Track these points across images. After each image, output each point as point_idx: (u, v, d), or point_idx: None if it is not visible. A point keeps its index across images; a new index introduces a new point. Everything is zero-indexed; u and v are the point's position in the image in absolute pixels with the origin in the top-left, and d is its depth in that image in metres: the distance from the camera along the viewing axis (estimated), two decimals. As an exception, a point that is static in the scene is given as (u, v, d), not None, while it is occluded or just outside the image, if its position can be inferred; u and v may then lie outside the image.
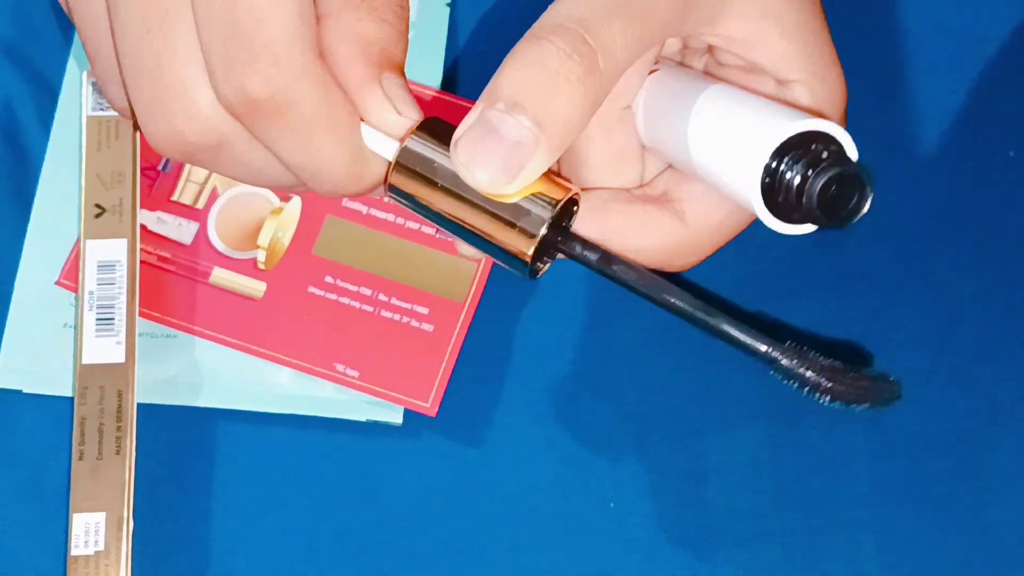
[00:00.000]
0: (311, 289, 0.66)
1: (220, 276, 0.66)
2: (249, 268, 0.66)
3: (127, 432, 0.62)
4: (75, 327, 0.64)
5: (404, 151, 0.48)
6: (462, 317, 0.65)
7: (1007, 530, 0.63)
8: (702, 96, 0.50)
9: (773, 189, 0.47)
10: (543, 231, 0.48)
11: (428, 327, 0.65)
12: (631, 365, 0.65)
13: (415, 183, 0.48)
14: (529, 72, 0.45)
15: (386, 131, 0.48)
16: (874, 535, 0.63)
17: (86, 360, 0.63)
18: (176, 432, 0.64)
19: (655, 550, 0.63)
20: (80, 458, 0.62)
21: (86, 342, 0.64)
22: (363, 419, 0.64)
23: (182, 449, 0.64)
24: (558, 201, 0.48)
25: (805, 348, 0.47)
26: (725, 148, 0.49)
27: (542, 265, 0.50)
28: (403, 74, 0.47)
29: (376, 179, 0.49)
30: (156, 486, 0.63)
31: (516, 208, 0.48)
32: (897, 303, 0.67)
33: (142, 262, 0.65)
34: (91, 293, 0.64)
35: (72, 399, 0.63)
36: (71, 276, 0.65)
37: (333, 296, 0.65)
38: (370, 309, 0.65)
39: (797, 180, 0.46)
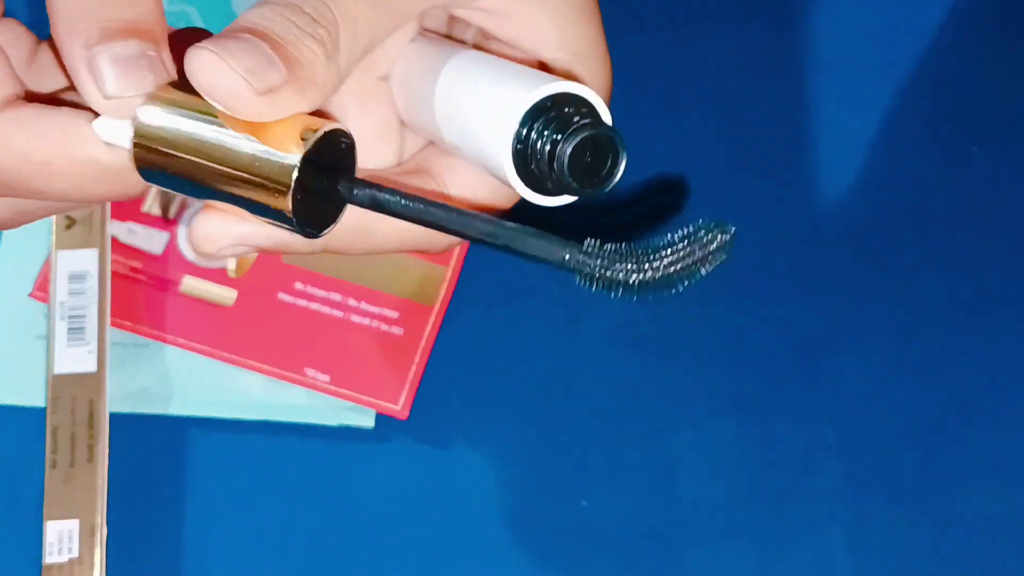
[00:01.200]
0: (281, 296, 0.66)
1: (191, 285, 0.66)
2: (219, 276, 0.66)
3: (99, 440, 0.63)
4: (47, 337, 0.65)
5: (138, 126, 0.42)
6: (432, 320, 0.66)
7: (976, 521, 0.63)
8: (449, 63, 0.47)
9: (525, 157, 0.44)
10: (294, 173, 0.41)
11: (398, 331, 0.65)
12: (599, 364, 0.66)
13: (164, 154, 0.42)
14: (274, 19, 0.42)
15: (104, 112, 0.42)
16: (844, 528, 0.63)
17: (57, 370, 0.64)
18: (149, 440, 0.64)
19: (627, 547, 0.63)
20: (53, 466, 0.63)
21: (57, 352, 0.64)
22: (335, 424, 0.65)
23: (155, 457, 0.64)
24: (314, 134, 0.41)
25: (611, 244, 0.41)
26: (474, 116, 0.46)
27: (320, 221, 0.43)
28: (148, 36, 0.42)
29: (128, 173, 0.43)
30: (129, 494, 0.63)
31: (270, 153, 0.41)
32: (863, 300, 0.67)
33: (113, 272, 0.66)
34: (62, 303, 0.64)
35: (44, 409, 0.64)
36: (44, 288, 0.66)
37: (303, 302, 0.66)
38: (340, 314, 0.66)
39: (548, 146, 0.43)
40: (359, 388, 0.64)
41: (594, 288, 0.39)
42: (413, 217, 0.42)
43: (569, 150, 0.43)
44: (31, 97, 0.44)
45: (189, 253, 0.67)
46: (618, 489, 0.64)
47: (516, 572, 0.63)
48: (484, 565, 0.63)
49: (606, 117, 0.44)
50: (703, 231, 0.40)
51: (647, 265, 0.40)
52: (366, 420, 0.65)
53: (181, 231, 0.67)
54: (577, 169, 0.43)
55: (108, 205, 0.66)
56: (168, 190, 0.43)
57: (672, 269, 0.40)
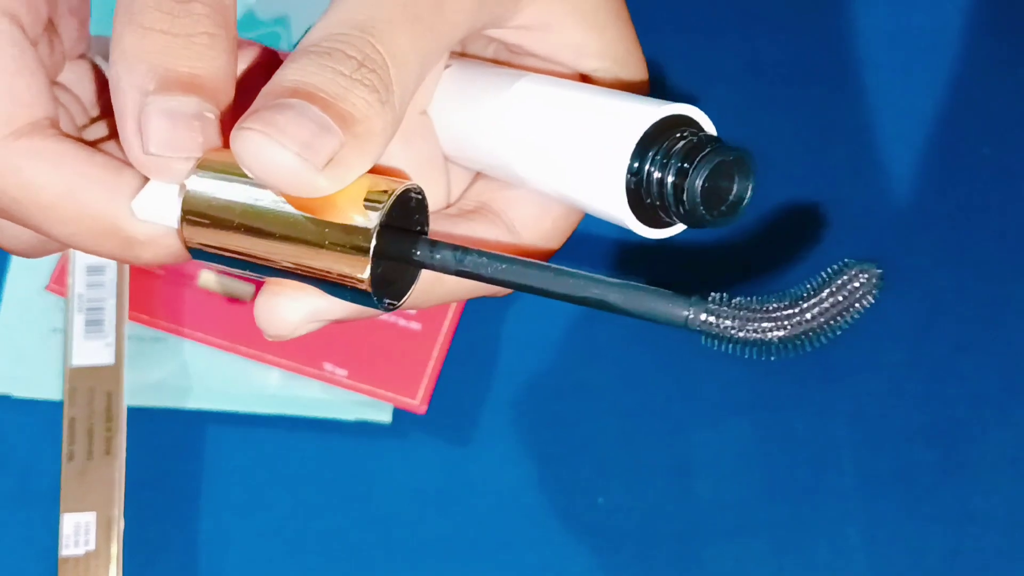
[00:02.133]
0: (299, 290, 0.66)
1: (208, 279, 0.66)
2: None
3: (117, 432, 0.63)
4: (64, 331, 0.65)
5: (187, 198, 0.37)
6: (449, 315, 0.66)
7: (992, 519, 0.64)
8: (514, 91, 0.43)
9: (639, 191, 0.39)
10: (372, 243, 0.36)
11: (416, 325, 0.65)
12: (617, 361, 0.66)
13: (216, 231, 0.38)
14: (318, 73, 0.37)
15: (141, 169, 0.38)
16: (861, 526, 0.63)
17: (75, 362, 0.64)
18: (166, 434, 0.64)
19: (644, 545, 0.63)
20: (70, 459, 0.62)
21: (75, 344, 0.64)
22: (352, 418, 0.65)
23: (172, 451, 0.64)
24: (386, 195, 0.37)
25: (734, 298, 0.37)
26: (563, 151, 0.41)
27: (395, 289, 0.39)
28: (211, 95, 0.38)
29: (164, 241, 0.39)
30: (146, 488, 0.63)
31: (339, 224, 0.37)
32: (879, 298, 0.67)
33: (131, 266, 0.66)
34: (80, 295, 0.64)
35: (61, 402, 0.63)
36: (60, 280, 0.66)
37: (321, 297, 0.66)
38: (358, 309, 0.66)
39: (672, 177, 0.39)
40: (377, 383, 0.64)
41: (723, 349, 0.35)
42: (503, 281, 0.37)
43: (701, 179, 0.39)
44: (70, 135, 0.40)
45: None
46: (635, 486, 0.64)
47: (533, 568, 0.63)
48: (501, 561, 0.63)
49: (714, 134, 0.41)
50: (846, 273, 0.35)
51: (786, 320, 0.35)
52: (384, 415, 0.65)
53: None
54: (710, 198, 0.39)
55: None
56: (224, 267, 0.39)
57: (816, 322, 0.36)
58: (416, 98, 0.44)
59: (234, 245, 0.37)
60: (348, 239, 0.36)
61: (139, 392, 0.64)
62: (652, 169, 0.39)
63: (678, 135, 0.39)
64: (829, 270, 0.35)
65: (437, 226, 0.43)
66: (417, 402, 0.64)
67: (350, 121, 0.36)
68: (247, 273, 0.38)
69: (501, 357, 0.66)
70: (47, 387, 0.65)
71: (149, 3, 0.38)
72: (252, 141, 0.35)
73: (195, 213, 0.37)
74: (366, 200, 0.36)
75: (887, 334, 0.67)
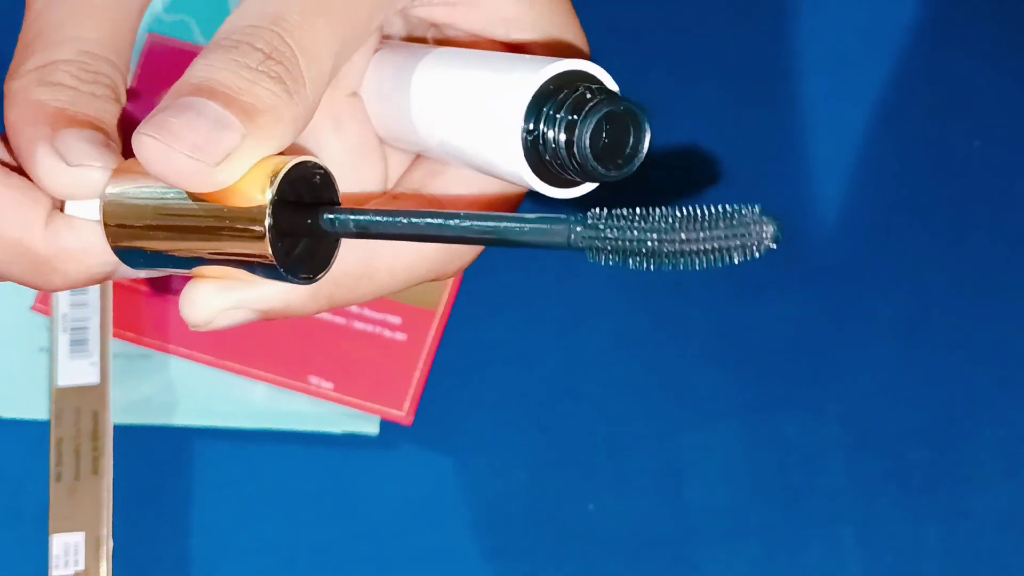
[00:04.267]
0: (283, 304, 0.66)
1: (193, 294, 0.66)
2: (221, 285, 0.66)
3: (103, 452, 0.63)
4: (49, 350, 0.65)
5: (106, 204, 0.39)
6: (435, 325, 0.65)
7: (987, 517, 0.63)
8: (422, 64, 0.43)
9: (537, 150, 0.40)
10: (267, 216, 0.38)
11: (401, 336, 0.65)
12: (604, 367, 0.65)
13: (136, 232, 0.39)
14: (223, 68, 0.38)
15: (70, 191, 0.40)
16: (854, 527, 0.63)
17: (61, 382, 0.64)
18: (153, 452, 0.64)
19: (635, 551, 0.63)
20: (58, 479, 0.62)
21: (60, 364, 0.64)
22: (339, 431, 0.65)
23: (160, 468, 0.64)
24: (275, 175, 0.38)
25: (621, 211, 0.36)
26: (467, 118, 0.42)
27: (315, 262, 0.40)
28: (101, 129, 0.40)
29: (92, 253, 0.40)
30: (135, 506, 0.63)
31: (239, 208, 0.38)
32: (868, 295, 0.67)
33: (115, 283, 0.66)
34: (64, 315, 0.64)
35: (48, 422, 0.63)
36: (45, 300, 0.66)
37: (305, 310, 0.66)
38: (342, 321, 0.65)
39: (563, 133, 0.39)
40: (363, 395, 0.64)
41: (606, 262, 0.35)
42: (402, 233, 0.38)
43: (589, 131, 0.39)
44: None
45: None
46: (625, 492, 0.64)
47: (524, 577, 0.63)
48: (491, 571, 0.63)
49: (615, 90, 0.40)
50: (744, 216, 0.35)
51: (666, 234, 0.35)
52: (371, 427, 0.64)
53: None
54: (600, 151, 0.39)
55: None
56: (152, 269, 0.40)
57: (691, 245, 0.35)
58: (344, 81, 0.45)
59: (155, 245, 0.39)
60: (247, 219, 0.38)
61: (126, 409, 0.64)
62: (544, 127, 0.39)
63: (573, 91, 0.39)
64: (732, 207, 0.35)
65: None
66: (404, 413, 0.64)
67: (253, 113, 0.38)
68: (177, 272, 0.40)
69: (487, 366, 0.66)
70: (34, 407, 0.65)
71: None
72: (146, 147, 0.37)
73: (115, 216, 0.39)
74: (270, 180, 0.38)
75: (878, 333, 0.66)
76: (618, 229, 0.35)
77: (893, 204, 0.69)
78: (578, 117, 0.39)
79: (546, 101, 0.39)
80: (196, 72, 0.38)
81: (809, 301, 0.67)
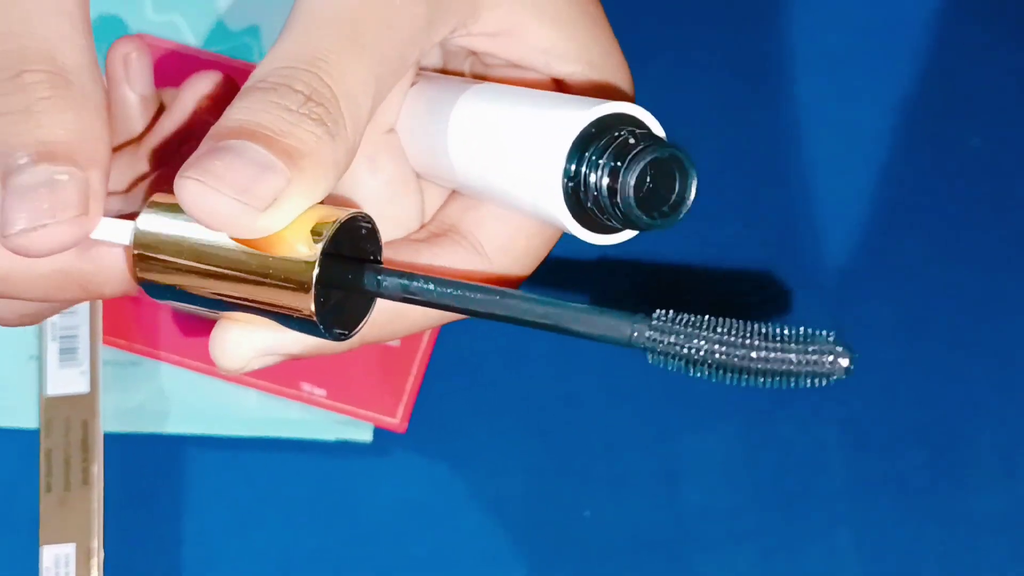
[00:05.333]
0: (275, 310, 0.65)
1: (183, 301, 0.65)
2: (212, 291, 0.65)
3: (94, 462, 0.62)
4: (39, 359, 0.64)
5: (138, 235, 0.38)
6: (427, 331, 0.65)
7: (985, 520, 0.63)
8: (461, 99, 0.42)
9: (578, 194, 0.38)
10: (314, 273, 0.36)
11: (394, 342, 0.64)
12: (599, 371, 0.65)
13: (166, 268, 0.38)
14: (263, 110, 0.37)
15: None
16: (852, 530, 0.62)
17: (50, 392, 0.63)
18: (145, 460, 0.64)
19: (632, 556, 0.62)
20: (48, 490, 0.62)
21: (50, 373, 0.63)
22: (332, 438, 0.64)
23: (151, 477, 0.64)
24: (325, 229, 0.37)
25: (688, 317, 0.34)
26: (506, 157, 0.40)
27: (347, 318, 0.38)
28: (53, 157, 0.37)
29: (115, 280, 0.40)
30: (126, 515, 0.63)
31: (283, 258, 0.37)
32: (866, 297, 0.66)
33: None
34: (53, 324, 0.64)
35: (38, 431, 0.63)
36: (34, 308, 0.65)
37: (297, 316, 0.65)
38: (335, 327, 0.65)
39: (606, 178, 0.37)
40: (356, 402, 0.64)
41: (667, 367, 0.34)
42: (449, 306, 0.37)
43: (633, 178, 0.37)
44: None
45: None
46: (621, 497, 0.63)
47: (520, 584, 0.62)
48: (487, 578, 0.62)
49: (660, 134, 0.39)
50: (818, 345, 0.33)
51: (731, 349, 0.33)
52: (364, 434, 0.64)
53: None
54: (644, 198, 0.37)
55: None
56: (179, 304, 0.39)
57: (758, 365, 0.33)
58: (381, 117, 0.44)
59: (185, 283, 0.38)
60: (291, 271, 0.36)
61: (117, 418, 0.64)
62: (587, 170, 0.38)
63: (616, 135, 0.38)
64: (808, 330, 0.33)
65: (402, 253, 0.43)
66: (397, 420, 0.63)
67: (296, 156, 0.36)
68: (202, 310, 0.39)
69: (481, 371, 0.65)
70: (24, 416, 0.64)
71: None
72: (190, 191, 0.36)
73: (146, 249, 0.38)
74: (313, 232, 0.37)
75: (876, 334, 0.66)
76: (684, 336, 0.34)
77: (892, 202, 0.68)
78: (622, 163, 0.37)
79: (589, 145, 0.38)
80: (234, 115, 0.37)
81: (805, 301, 0.66)
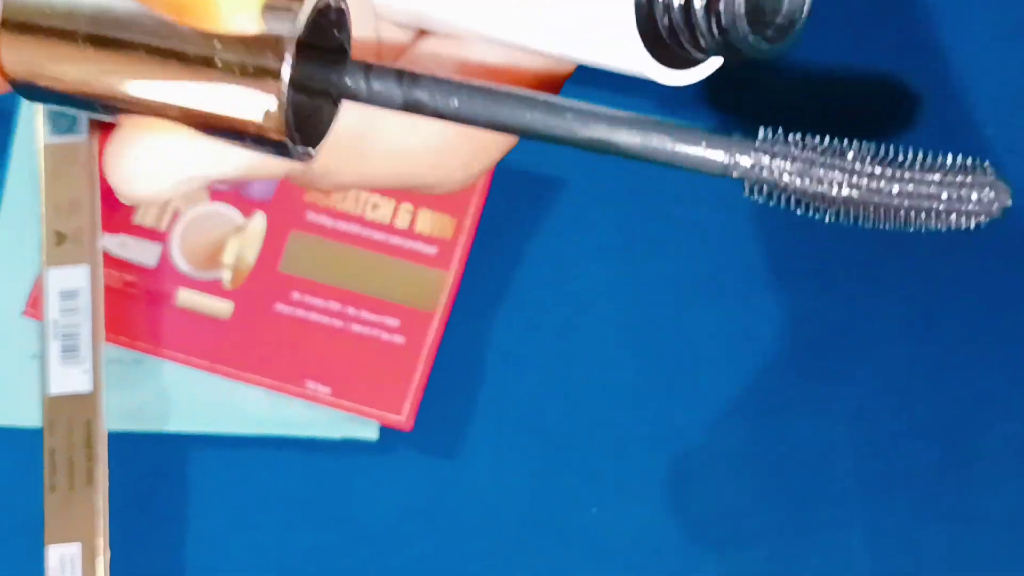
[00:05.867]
0: (279, 307, 0.64)
1: (186, 298, 0.65)
2: (215, 288, 0.65)
3: (97, 461, 0.61)
4: (41, 357, 0.63)
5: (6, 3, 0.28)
6: (434, 327, 0.64)
7: (998, 517, 0.62)
8: None
9: (652, 12, 0.28)
10: (288, 59, 0.26)
11: (399, 339, 0.64)
12: (606, 368, 0.64)
13: (49, 47, 0.27)
14: None
15: None
16: (862, 528, 0.62)
17: (53, 391, 0.62)
18: (149, 459, 0.63)
19: (639, 555, 0.62)
20: (52, 490, 0.61)
21: (52, 372, 0.63)
22: (337, 436, 0.63)
23: (155, 476, 0.63)
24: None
25: (803, 137, 0.26)
26: None
27: (305, 133, 0.28)
28: None
29: None
30: (131, 515, 0.62)
31: (236, 36, 0.26)
32: (875, 295, 0.66)
33: (107, 287, 0.64)
34: (55, 322, 0.63)
35: (41, 430, 0.62)
36: (37, 304, 0.64)
37: (301, 312, 0.64)
38: (339, 324, 0.64)
39: None
40: (361, 399, 0.63)
41: (771, 201, 0.26)
42: (476, 118, 0.27)
43: None
44: None
45: (183, 265, 0.65)
46: (628, 496, 0.63)
47: (527, 582, 0.62)
48: (494, 577, 0.62)
49: None
50: (969, 166, 0.26)
51: (863, 178, 0.26)
52: (369, 432, 0.63)
53: (175, 240, 0.65)
54: (755, 8, 0.28)
55: (98, 220, 0.65)
56: (62, 108, 0.29)
57: (896, 197, 0.26)
58: None
59: (76, 72, 0.27)
60: (250, 57, 0.26)
61: (120, 417, 0.63)
62: None
63: None
64: (956, 158, 0.26)
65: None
66: (403, 418, 0.63)
67: None
68: (98, 115, 0.28)
69: (488, 369, 0.64)
70: (27, 415, 0.63)
71: None
72: None
73: (14, 17, 0.27)
74: (269, 3, 0.26)
75: (887, 329, 0.65)
76: (795, 160, 0.26)
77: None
78: None
79: None
80: None
81: (814, 299, 0.65)
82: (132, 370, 0.64)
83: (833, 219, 0.26)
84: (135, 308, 0.65)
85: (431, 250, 0.65)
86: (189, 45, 0.26)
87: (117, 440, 0.63)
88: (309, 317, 0.64)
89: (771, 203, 0.26)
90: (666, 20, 0.28)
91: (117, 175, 0.29)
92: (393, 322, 0.64)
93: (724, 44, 0.28)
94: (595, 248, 0.66)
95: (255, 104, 0.26)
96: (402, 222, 0.65)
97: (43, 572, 0.60)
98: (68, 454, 0.62)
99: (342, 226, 0.65)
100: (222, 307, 0.65)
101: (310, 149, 0.28)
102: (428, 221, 0.65)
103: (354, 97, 0.27)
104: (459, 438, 0.63)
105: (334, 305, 0.64)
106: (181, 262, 0.65)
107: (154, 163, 0.29)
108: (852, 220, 0.26)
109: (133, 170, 0.29)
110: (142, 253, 0.65)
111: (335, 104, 0.28)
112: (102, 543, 0.61)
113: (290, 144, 0.27)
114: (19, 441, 0.63)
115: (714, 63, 0.30)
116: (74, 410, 0.62)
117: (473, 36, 0.32)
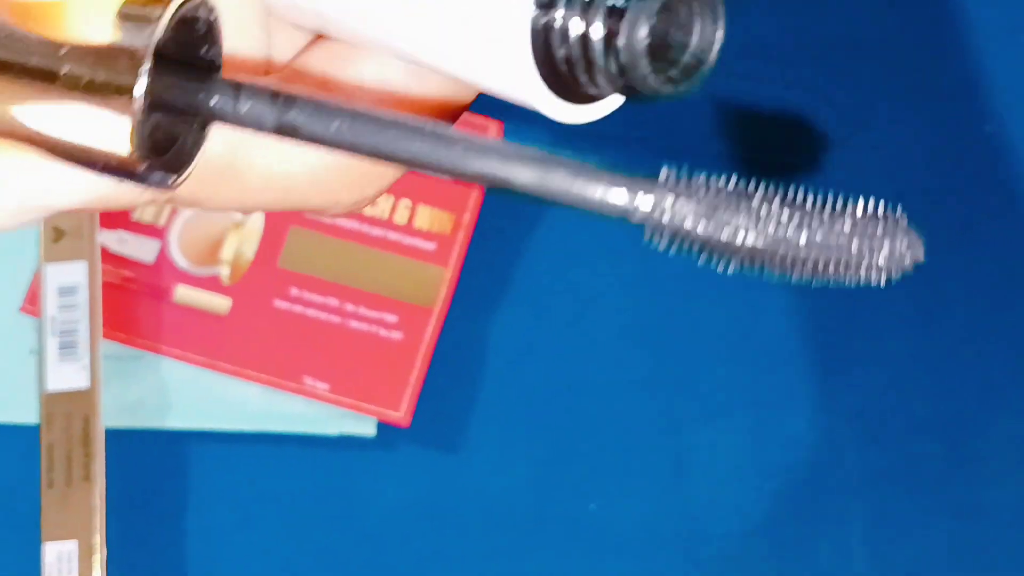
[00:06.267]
0: (277, 303, 0.64)
1: (184, 294, 0.65)
2: (213, 284, 0.65)
3: (95, 458, 0.61)
4: (39, 353, 0.63)
5: None
6: (432, 323, 0.64)
7: (998, 511, 0.62)
8: None
9: (549, 42, 0.26)
10: (144, 75, 0.23)
11: (397, 335, 0.64)
12: (606, 363, 0.64)
13: None
14: None
15: None
16: (863, 523, 0.61)
17: (50, 387, 0.62)
18: (146, 456, 0.63)
19: (639, 549, 0.62)
20: (49, 486, 0.61)
21: (49, 369, 0.62)
22: (335, 433, 0.63)
23: (153, 473, 0.63)
24: (162, 5, 0.24)
25: (708, 179, 0.24)
26: None
27: (168, 158, 0.25)
28: None
29: None
30: (128, 511, 0.62)
31: (86, 46, 0.24)
32: (877, 288, 0.65)
33: (105, 282, 0.64)
34: (52, 318, 0.63)
35: (39, 426, 0.62)
36: (35, 301, 0.64)
37: (299, 308, 0.64)
38: (337, 320, 0.64)
39: (600, 17, 0.26)
40: (359, 396, 0.63)
41: (673, 249, 0.24)
42: (354, 144, 0.24)
43: (648, 19, 0.25)
44: None
45: (181, 261, 0.65)
46: (628, 491, 0.62)
47: (527, 579, 0.61)
48: (493, 573, 0.61)
49: None
50: (881, 216, 0.25)
51: (768, 224, 0.24)
52: (367, 428, 0.63)
53: (173, 237, 0.65)
54: (659, 46, 0.25)
55: (96, 216, 0.65)
56: None
57: (803, 248, 0.24)
58: None
59: None
60: (101, 71, 0.23)
61: (117, 413, 0.63)
62: (567, 8, 0.26)
63: None
64: (863, 203, 0.24)
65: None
66: (401, 414, 0.63)
67: None
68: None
69: (486, 364, 0.64)
70: (25, 411, 0.63)
71: None
72: None
73: None
74: (125, 10, 0.24)
75: (888, 325, 0.64)
76: (699, 202, 0.24)
77: (903, 190, 0.67)
78: None
79: None
80: None
81: (817, 294, 0.65)
82: (130, 366, 0.64)
83: (738, 269, 0.24)
84: (133, 304, 0.64)
85: (430, 246, 0.64)
86: (31, 54, 0.24)
87: (114, 436, 0.62)
88: (307, 313, 0.64)
89: (672, 250, 0.24)
90: (563, 51, 0.26)
91: None
92: (391, 318, 0.64)
93: (623, 83, 0.26)
94: (593, 244, 0.65)
95: (105, 125, 0.23)
96: (401, 218, 0.65)
97: (40, 569, 0.60)
98: (66, 450, 0.62)
99: (341, 222, 0.65)
100: (220, 303, 0.64)
101: (172, 177, 0.25)
102: (427, 217, 0.65)
103: (221, 119, 0.25)
104: (457, 434, 0.63)
105: (332, 301, 0.64)
106: (179, 258, 0.65)
107: None
108: (758, 271, 0.25)
109: None
110: (140, 249, 0.65)
111: (203, 127, 0.25)
112: (99, 539, 0.60)
113: (145, 172, 0.24)
114: (17, 437, 0.63)
115: (616, 100, 0.28)
116: (72, 406, 0.62)
117: (370, 42, 0.29)
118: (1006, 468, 0.62)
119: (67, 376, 0.62)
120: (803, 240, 0.24)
